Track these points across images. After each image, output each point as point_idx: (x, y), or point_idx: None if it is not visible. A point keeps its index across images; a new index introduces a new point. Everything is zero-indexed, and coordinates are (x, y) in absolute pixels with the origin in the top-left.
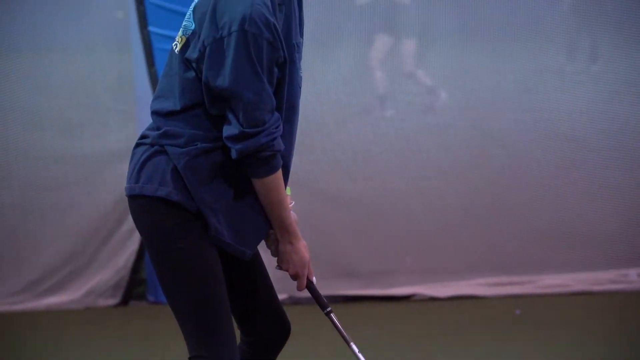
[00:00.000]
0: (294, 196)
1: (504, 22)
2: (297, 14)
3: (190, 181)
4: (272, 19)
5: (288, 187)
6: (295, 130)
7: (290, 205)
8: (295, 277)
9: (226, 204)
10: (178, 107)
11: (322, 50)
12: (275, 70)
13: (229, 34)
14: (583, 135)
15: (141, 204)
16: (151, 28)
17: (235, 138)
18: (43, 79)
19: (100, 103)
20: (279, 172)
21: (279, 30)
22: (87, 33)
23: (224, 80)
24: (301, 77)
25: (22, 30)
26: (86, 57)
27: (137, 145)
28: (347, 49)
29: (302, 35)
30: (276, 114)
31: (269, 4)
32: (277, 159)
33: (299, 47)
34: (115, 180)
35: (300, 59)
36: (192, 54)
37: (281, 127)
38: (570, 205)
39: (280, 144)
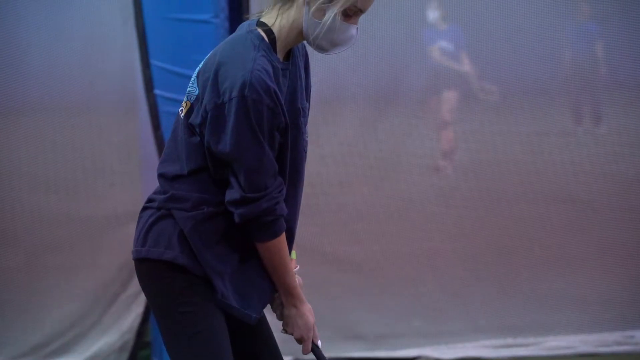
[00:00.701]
0: (299, 259)
1: (507, 84)
2: (302, 79)
3: (197, 245)
4: (272, 85)
5: (293, 251)
6: (300, 194)
7: (294, 269)
8: (300, 340)
9: (232, 267)
10: (185, 172)
11: (327, 111)
12: (277, 135)
13: (230, 99)
14: (588, 197)
15: (148, 268)
16: (157, 91)
17: (237, 203)
18: (49, 140)
19: (105, 165)
20: (282, 237)
21: (280, 96)
22: (93, 94)
23: (225, 145)
24: (307, 141)
25: (27, 90)
26: (92, 118)
27: (144, 209)
28: (352, 110)
29: (308, 100)
30: (279, 179)
31: (270, 70)
32: (280, 223)
33: (304, 111)
34: (121, 243)
35: (306, 123)
36: (196, 119)
37: (284, 191)
38: (575, 266)
39: (282, 209)
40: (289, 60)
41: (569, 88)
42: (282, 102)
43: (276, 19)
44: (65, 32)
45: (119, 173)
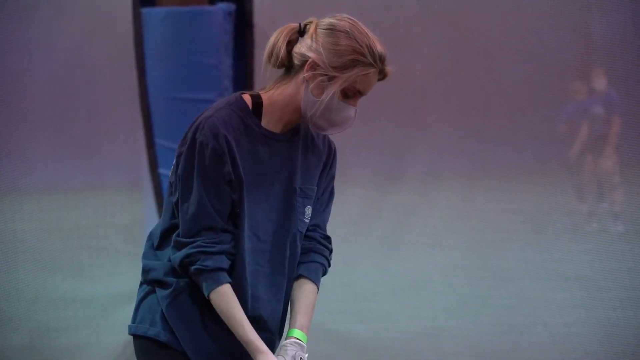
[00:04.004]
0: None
1: (510, 163)
2: (310, 162)
3: (174, 322)
4: (223, 132)
5: (302, 333)
6: (286, 276)
7: (299, 354)
8: None
9: (210, 340)
10: (158, 232)
11: None
12: (225, 188)
13: (185, 144)
14: (592, 275)
15: (139, 344)
16: (161, 170)
17: (173, 245)
18: (54, 221)
19: (110, 245)
20: (222, 291)
21: (233, 146)
22: (99, 175)
23: (177, 192)
24: (305, 222)
25: (34, 171)
26: (97, 198)
27: (140, 283)
28: (355, 190)
29: (315, 183)
30: (223, 236)
31: (232, 122)
32: (212, 277)
33: (303, 192)
34: (125, 322)
35: (306, 205)
36: (172, 177)
37: (220, 247)
38: (580, 345)
39: (215, 263)
40: (287, 135)
41: (573, 166)
42: (238, 156)
43: (270, 90)
44: (69, 113)
45: (123, 252)
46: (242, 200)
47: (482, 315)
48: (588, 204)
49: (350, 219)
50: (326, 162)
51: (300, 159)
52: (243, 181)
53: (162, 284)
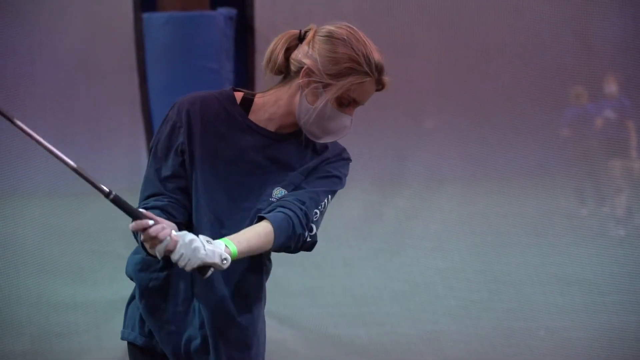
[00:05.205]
0: (305, 342)
1: (511, 167)
2: (301, 160)
3: (151, 325)
4: (187, 107)
5: (228, 240)
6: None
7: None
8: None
9: (185, 340)
10: None
11: None
12: (175, 157)
13: None
14: (593, 279)
15: (128, 347)
16: None
17: None
18: (55, 225)
19: (111, 249)
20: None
21: (192, 120)
22: (100, 179)
23: None
24: (268, 200)
25: (35, 175)
26: (99, 202)
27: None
28: (357, 192)
29: (306, 175)
30: (158, 199)
31: (207, 103)
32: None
33: (280, 182)
34: None
35: (275, 187)
36: None
37: (154, 202)
38: (581, 349)
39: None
40: (285, 135)
41: (574, 169)
42: (199, 132)
43: (265, 91)
44: (70, 117)
45: (124, 257)
46: (196, 175)
47: (483, 319)
48: (589, 207)
49: (351, 222)
50: (326, 159)
51: (293, 158)
52: (195, 156)
53: (133, 281)
